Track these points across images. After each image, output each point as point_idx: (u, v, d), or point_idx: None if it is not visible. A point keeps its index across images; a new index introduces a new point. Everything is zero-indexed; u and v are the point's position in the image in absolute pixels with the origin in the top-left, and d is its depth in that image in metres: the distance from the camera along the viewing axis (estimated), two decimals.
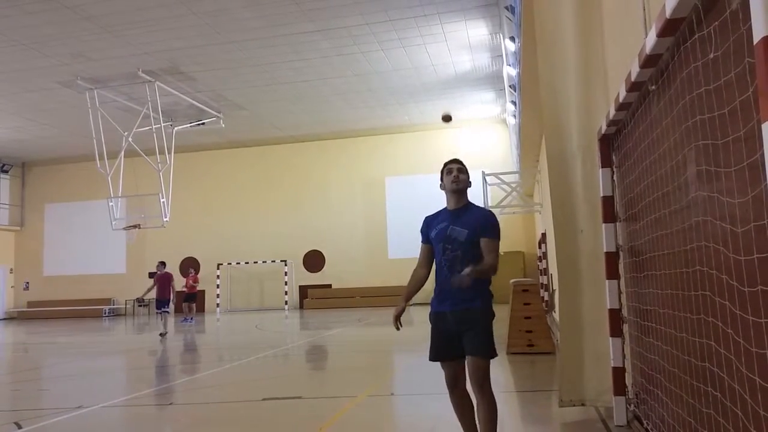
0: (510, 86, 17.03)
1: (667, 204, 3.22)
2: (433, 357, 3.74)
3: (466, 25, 16.48)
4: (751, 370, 2.07)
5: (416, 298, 3.95)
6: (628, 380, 4.62)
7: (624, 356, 4.61)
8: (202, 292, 26.72)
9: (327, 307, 26.58)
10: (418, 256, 3.92)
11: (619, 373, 4.58)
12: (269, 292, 28.65)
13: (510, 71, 15.20)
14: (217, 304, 28.03)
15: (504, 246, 26.33)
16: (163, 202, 21.30)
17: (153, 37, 16.44)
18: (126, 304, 29.33)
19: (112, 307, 29.18)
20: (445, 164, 3.82)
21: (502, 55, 17.04)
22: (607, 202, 4.63)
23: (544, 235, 17.20)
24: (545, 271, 17.41)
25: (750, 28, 1.71)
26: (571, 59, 5.00)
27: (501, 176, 18.93)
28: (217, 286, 28.22)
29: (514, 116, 18.30)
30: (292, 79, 20.18)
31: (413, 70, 19.77)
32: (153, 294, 15.49)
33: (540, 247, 19.73)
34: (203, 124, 23.82)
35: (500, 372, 7.77)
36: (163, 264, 15.81)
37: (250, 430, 5.36)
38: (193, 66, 18.69)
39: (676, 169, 2.99)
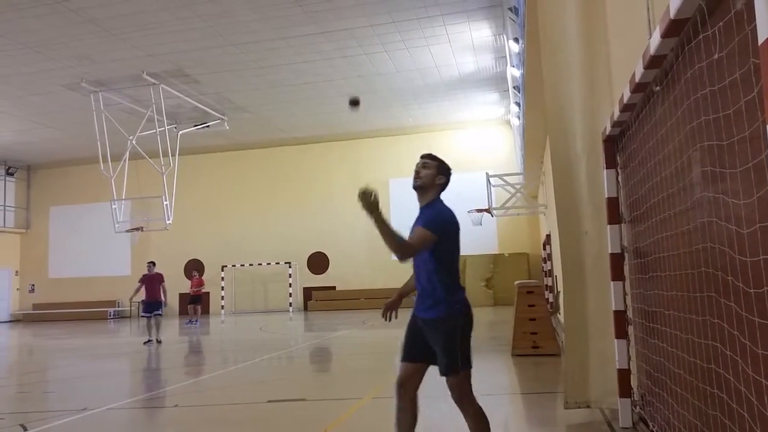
0: (514, 87, 17.02)
1: (672, 205, 3.21)
2: (401, 356, 3.52)
3: (470, 26, 16.48)
4: (757, 372, 2.06)
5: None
6: (634, 382, 4.60)
7: (629, 358, 4.60)
8: (207, 294, 26.75)
9: (331, 309, 26.59)
10: None
11: (624, 375, 4.56)
12: (273, 294, 28.68)
13: (514, 72, 15.18)
14: (222, 306, 28.06)
15: (508, 248, 26.41)
16: (166, 204, 21.34)
17: (157, 40, 16.48)
18: (131, 306, 29.36)
19: (117, 309, 29.25)
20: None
21: (505, 57, 17.03)
22: (612, 203, 4.62)
23: (548, 236, 17.17)
24: (550, 273, 17.38)
25: (755, 29, 1.70)
26: (575, 60, 4.99)
27: (505, 177, 18.91)
28: (222, 288, 28.26)
29: (518, 117, 18.28)
30: (296, 81, 20.21)
31: (417, 71, 19.78)
32: (142, 296, 14.30)
33: (544, 249, 19.71)
34: (207, 126, 23.87)
35: (505, 374, 7.76)
36: (152, 264, 14.70)
37: None
38: (197, 68, 18.73)
39: (681, 170, 2.98)
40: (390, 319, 3.67)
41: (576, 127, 5.00)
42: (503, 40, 16.64)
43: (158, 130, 20.66)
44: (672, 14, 2.47)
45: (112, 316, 28.62)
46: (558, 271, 13.09)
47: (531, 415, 5.74)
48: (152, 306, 14.06)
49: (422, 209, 3.49)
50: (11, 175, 30.73)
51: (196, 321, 20.66)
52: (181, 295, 27.58)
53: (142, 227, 22.92)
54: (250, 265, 28.49)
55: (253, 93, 21.22)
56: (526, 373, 7.85)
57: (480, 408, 3.36)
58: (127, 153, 21.62)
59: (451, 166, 3.64)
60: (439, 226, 3.32)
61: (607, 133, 4.50)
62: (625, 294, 4.59)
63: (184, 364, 10.75)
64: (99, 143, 20.97)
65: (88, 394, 7.90)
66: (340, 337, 14.48)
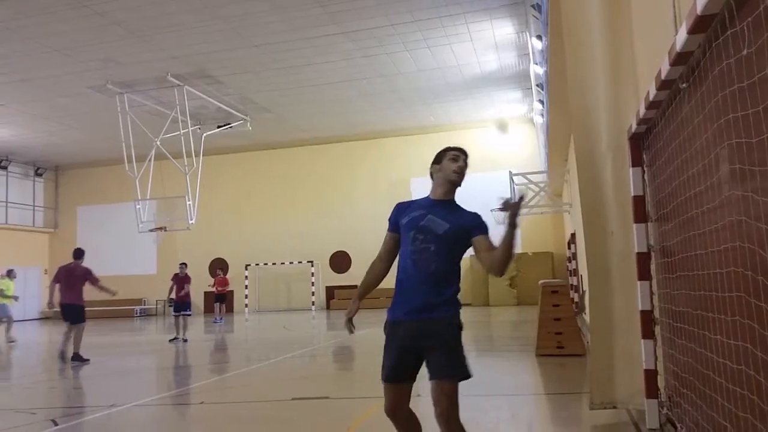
0: (537, 85, 16.89)
1: (699, 204, 3.17)
2: (385, 376, 3.12)
3: (492, 24, 16.39)
4: None
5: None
6: (661, 383, 4.55)
7: (656, 358, 4.54)
8: (231, 292, 26.99)
9: None
10: None
11: (651, 375, 4.51)
12: (296, 293, 28.84)
13: (537, 70, 15.07)
14: (246, 305, 28.30)
15: (532, 246, 26.23)
16: (189, 204, 21.58)
17: (181, 42, 16.67)
18: (157, 305, 29.80)
19: (143, 307, 29.66)
20: (449, 149, 3.32)
21: (528, 54, 16.90)
22: (638, 201, 4.57)
23: (573, 235, 17.02)
24: (575, 272, 17.22)
25: None
26: (599, 57, 4.94)
27: (528, 176, 18.78)
28: (246, 287, 28.49)
29: (542, 115, 18.14)
30: (317, 82, 20.28)
31: (438, 70, 19.73)
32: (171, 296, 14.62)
33: (569, 248, 19.53)
34: (230, 127, 24.07)
35: (529, 374, 7.71)
36: (184, 265, 15.08)
37: (280, 430, 5.40)
38: (220, 70, 18.90)
39: (708, 168, 2.94)
40: (353, 331, 3.39)
41: (601, 125, 4.94)
42: (526, 37, 16.52)
43: (182, 132, 20.89)
44: (699, 10, 2.43)
45: (138, 314, 29.02)
46: (583, 271, 12.98)
47: (556, 415, 5.70)
48: (181, 306, 14.31)
49: (443, 202, 3.27)
50: (40, 175, 31.31)
51: (221, 319, 20.87)
52: (206, 294, 27.86)
53: (165, 227, 23.23)
54: (273, 264, 28.67)
55: (275, 93, 21.35)
56: (551, 374, 7.79)
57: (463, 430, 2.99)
58: (152, 153, 21.90)
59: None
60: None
61: (633, 130, 4.45)
62: (651, 294, 4.53)
63: (209, 362, 10.86)
64: (124, 144, 21.28)
65: (116, 391, 8.03)
66: (362, 336, 14.51)
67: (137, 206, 21.97)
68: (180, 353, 12.14)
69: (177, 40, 16.51)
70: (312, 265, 28.15)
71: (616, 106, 4.86)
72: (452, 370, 2.97)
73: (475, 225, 3.17)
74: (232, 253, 29.01)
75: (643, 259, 4.53)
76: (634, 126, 4.36)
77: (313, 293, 28.00)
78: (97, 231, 30.78)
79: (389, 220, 3.39)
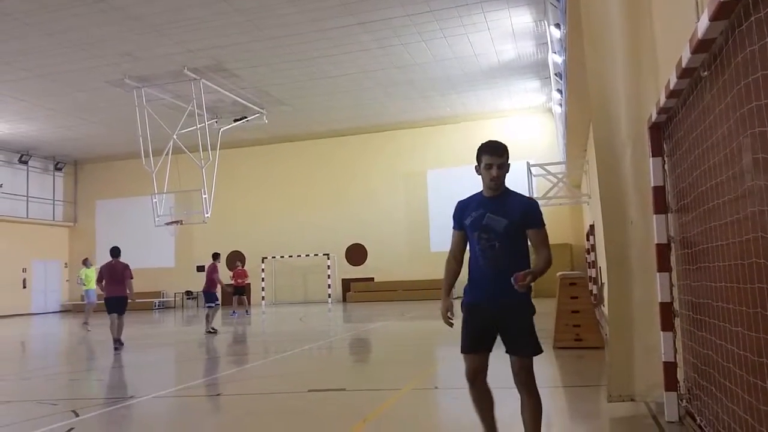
0: (555, 74, 16.73)
1: (721, 194, 3.11)
2: (466, 349, 3.56)
3: (510, 12, 16.24)
4: None
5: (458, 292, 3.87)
6: (680, 375, 4.50)
7: (676, 351, 4.49)
8: (249, 285, 27.14)
9: (369, 301, 26.71)
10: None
11: (670, 368, 4.46)
12: (312, 286, 28.96)
13: (555, 59, 14.92)
14: (263, 297, 28.47)
15: (551, 238, 25.78)
16: (205, 198, 21.71)
17: (197, 35, 16.73)
18: (175, 297, 30.08)
19: (162, 300, 29.97)
20: (482, 152, 3.50)
21: (547, 43, 16.73)
22: (659, 192, 4.50)
23: (592, 226, 16.88)
24: (593, 264, 17.09)
25: None
26: (618, 45, 4.86)
27: (547, 167, 18.63)
28: (262, 280, 28.66)
29: (560, 105, 17.97)
30: (333, 74, 20.26)
31: (455, 60, 19.61)
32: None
33: (588, 240, 19.38)
34: (247, 120, 24.16)
35: (547, 367, 7.67)
36: (214, 255, 15.07)
37: (297, 421, 5.43)
38: (236, 63, 18.95)
39: (730, 158, 2.89)
40: (453, 324, 3.67)
41: (620, 114, 4.87)
42: (544, 26, 16.35)
43: (198, 126, 21.00)
44: None
45: (156, 307, 29.33)
46: (602, 262, 12.87)
47: (574, 408, 5.67)
48: (207, 296, 14.29)
49: (497, 197, 3.54)
50: (59, 170, 31.69)
51: (235, 313, 20.97)
52: (225, 286, 28.02)
53: (181, 221, 23.40)
54: (290, 256, 28.81)
55: (292, 86, 21.37)
56: (569, 366, 7.75)
57: (539, 395, 3.52)
58: (170, 147, 22.05)
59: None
60: (543, 218, 3.56)
61: (653, 120, 4.38)
62: (671, 285, 4.47)
63: (226, 354, 10.94)
64: (141, 138, 21.44)
65: (135, 382, 8.13)
66: (378, 329, 14.54)
67: (154, 200, 22.15)
68: (197, 345, 12.25)
69: (193, 33, 16.57)
70: (328, 258, 28.24)
71: (636, 94, 4.78)
72: (529, 348, 3.45)
73: (528, 218, 3.50)
74: (248, 246, 29.17)
75: (662, 250, 4.47)
76: (654, 115, 4.30)
77: (329, 286, 28.11)
78: (116, 224, 31.11)
79: (453, 218, 3.71)
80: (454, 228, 3.72)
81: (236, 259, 25.40)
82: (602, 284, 13.39)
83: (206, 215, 21.86)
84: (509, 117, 26.51)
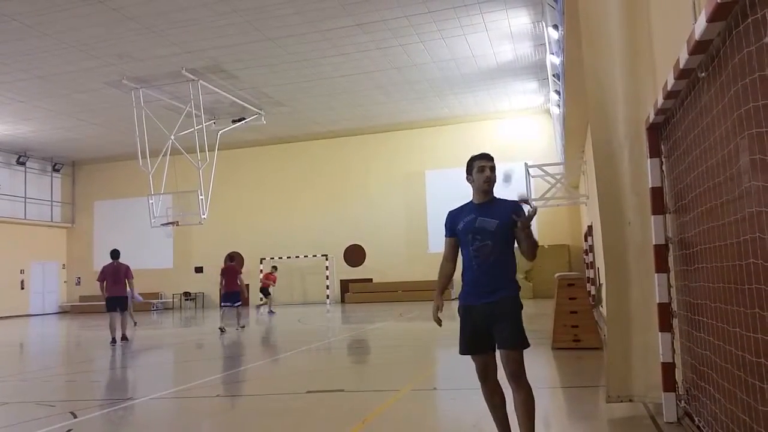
0: (553, 75, 16.74)
1: (718, 195, 3.12)
2: (464, 350, 3.78)
3: (507, 14, 16.25)
4: None
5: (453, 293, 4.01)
6: (678, 376, 4.50)
7: (674, 351, 4.50)
8: (246, 286, 27.13)
9: (368, 301, 26.71)
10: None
11: (668, 368, 4.47)
12: (311, 287, 28.93)
13: (553, 60, 14.93)
14: (261, 298, 28.42)
15: (549, 239, 26.05)
16: (201, 199, 21.69)
17: (195, 36, 16.72)
18: (173, 298, 30.06)
19: (160, 301, 29.92)
20: (474, 159, 3.85)
21: (545, 44, 16.74)
22: (656, 193, 4.51)
23: (590, 227, 16.90)
24: (592, 265, 17.12)
25: None
26: (616, 46, 4.87)
27: (545, 168, 18.64)
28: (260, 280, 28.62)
29: (558, 106, 17.99)
30: (331, 74, 20.26)
31: (453, 61, 19.62)
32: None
33: (586, 240, 19.41)
34: (245, 121, 24.14)
35: (546, 368, 7.68)
36: (229, 257, 15.57)
37: (296, 422, 5.43)
38: (234, 64, 18.94)
39: (728, 159, 2.90)
40: (442, 324, 3.93)
41: (618, 115, 4.88)
42: (542, 27, 16.36)
43: (196, 128, 20.98)
44: None
45: (155, 308, 29.29)
46: (600, 263, 12.88)
47: (572, 409, 5.68)
48: (231, 297, 14.79)
49: (486, 203, 3.82)
50: (57, 171, 31.63)
51: (273, 312, 21.64)
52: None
53: (177, 222, 23.43)
54: (288, 257, 28.78)
55: (290, 87, 21.36)
56: (567, 367, 7.75)
57: (530, 387, 3.65)
58: (168, 148, 22.02)
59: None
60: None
61: (651, 120, 4.39)
62: (669, 286, 4.48)
63: (224, 355, 10.93)
64: (138, 139, 21.40)
65: (133, 384, 8.12)
66: (377, 330, 14.54)
67: (150, 201, 22.13)
68: (195, 347, 12.24)
69: (192, 34, 16.56)
70: (326, 259, 28.22)
71: (634, 95, 4.79)
72: (517, 342, 3.62)
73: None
74: (246, 247, 29.15)
75: (660, 251, 4.48)
76: (652, 116, 4.31)
77: (327, 287, 28.08)
78: (114, 226, 31.06)
79: (445, 227, 3.98)
80: (446, 236, 3.99)
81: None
82: (600, 285, 13.40)
83: (203, 216, 21.84)
84: (507, 118, 26.53)
